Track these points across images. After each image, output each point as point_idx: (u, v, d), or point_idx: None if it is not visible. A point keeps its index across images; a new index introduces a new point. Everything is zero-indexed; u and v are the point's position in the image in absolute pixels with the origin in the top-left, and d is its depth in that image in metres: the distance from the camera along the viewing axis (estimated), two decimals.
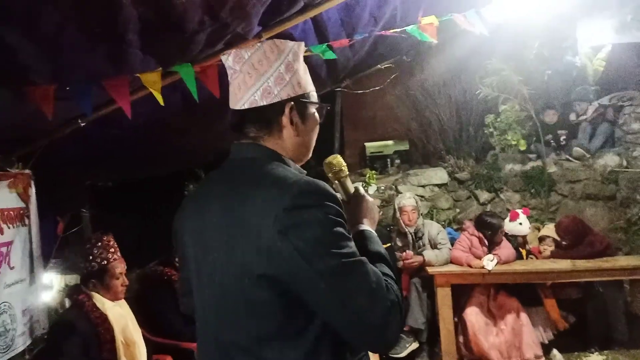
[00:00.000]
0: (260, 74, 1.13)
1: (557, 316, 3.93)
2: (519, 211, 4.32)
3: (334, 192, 1.05)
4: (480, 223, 4.22)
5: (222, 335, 1.10)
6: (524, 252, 4.25)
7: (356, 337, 1.02)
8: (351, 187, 1.34)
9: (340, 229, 1.01)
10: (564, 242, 4.12)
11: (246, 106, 1.14)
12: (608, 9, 5.38)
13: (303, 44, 1.22)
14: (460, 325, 4.02)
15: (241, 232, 1.03)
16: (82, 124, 2.58)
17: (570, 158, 5.22)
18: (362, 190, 1.33)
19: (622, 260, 3.95)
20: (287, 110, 1.14)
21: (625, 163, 4.98)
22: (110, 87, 2.20)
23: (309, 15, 2.61)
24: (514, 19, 3.68)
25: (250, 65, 1.14)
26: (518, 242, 4.27)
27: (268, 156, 1.14)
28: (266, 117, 1.15)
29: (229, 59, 1.18)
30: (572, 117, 5.52)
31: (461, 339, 4.01)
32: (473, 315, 3.93)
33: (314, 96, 1.22)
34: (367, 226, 1.22)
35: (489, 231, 4.13)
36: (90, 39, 1.85)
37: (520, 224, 4.24)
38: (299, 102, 1.16)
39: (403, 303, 1.05)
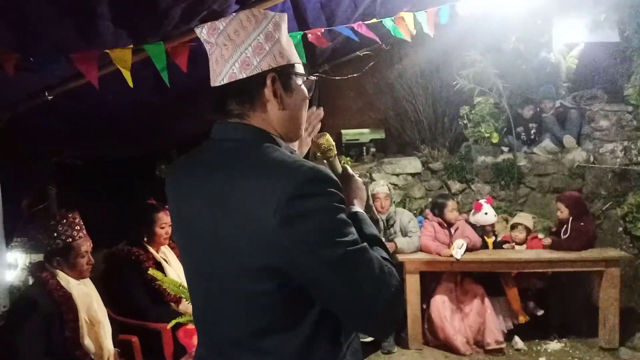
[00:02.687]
0: (237, 45, 1.04)
1: (519, 307, 4.05)
2: (482, 201, 4.42)
3: (333, 177, 1.00)
4: (432, 204, 4.40)
5: (218, 329, 1.07)
6: (490, 241, 4.35)
7: (361, 324, 1.02)
8: (339, 167, 1.31)
9: (343, 216, 0.98)
10: (564, 212, 4.16)
11: (225, 81, 1.05)
12: (583, 8, 5.48)
13: (286, 15, 1.14)
14: (427, 312, 4.10)
15: (236, 222, 0.97)
16: (49, 97, 2.49)
17: (539, 152, 5.34)
18: (350, 170, 1.30)
19: (585, 252, 4.08)
20: (268, 81, 1.05)
21: (592, 159, 5.13)
22: (78, 60, 2.13)
23: None
24: (492, 13, 3.73)
25: (226, 36, 1.05)
26: (485, 230, 4.36)
27: (257, 137, 1.06)
28: (247, 90, 1.06)
29: (203, 32, 1.08)
30: (527, 110, 5.63)
31: (427, 325, 4.10)
32: (440, 302, 4.02)
33: (299, 68, 1.12)
34: (359, 207, 1.19)
35: (436, 209, 4.27)
36: (58, 9, 1.79)
37: (486, 213, 4.34)
38: (282, 73, 1.07)
39: (400, 284, 1.04)
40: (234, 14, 1.08)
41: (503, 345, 3.93)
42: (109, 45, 2.22)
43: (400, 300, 1.02)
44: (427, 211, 4.48)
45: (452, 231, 4.23)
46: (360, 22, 3.14)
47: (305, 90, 1.15)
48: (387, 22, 3.12)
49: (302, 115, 1.15)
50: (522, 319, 4.04)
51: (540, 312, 4.15)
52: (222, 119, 1.10)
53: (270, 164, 0.99)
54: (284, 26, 1.11)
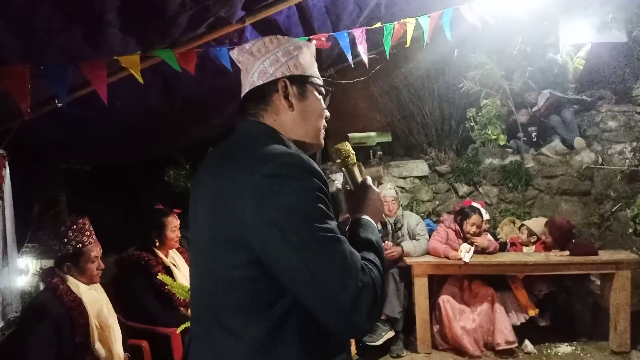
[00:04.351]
0: (257, 59, 1.20)
1: (527, 302, 4.02)
2: (470, 200, 4.49)
3: (319, 169, 1.05)
4: (458, 211, 4.32)
5: (200, 303, 1.14)
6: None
7: (324, 315, 1.00)
8: (359, 176, 1.32)
9: (321, 206, 1.01)
10: (549, 238, 4.18)
11: (247, 89, 1.22)
12: (590, 8, 5.46)
13: (314, 44, 1.30)
14: (436, 314, 4.09)
15: (221, 201, 1.05)
16: (59, 105, 2.52)
17: (548, 153, 5.31)
18: (369, 181, 1.32)
19: (595, 255, 4.04)
20: (280, 86, 1.19)
21: (600, 160, 5.10)
22: (87, 69, 2.16)
23: (293, 2, 2.59)
24: (499, 14, 3.72)
25: (250, 53, 1.22)
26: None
27: (263, 132, 1.17)
28: (262, 93, 1.20)
29: (234, 53, 1.26)
30: (523, 117, 5.62)
31: (436, 328, 4.08)
32: (448, 303, 4.00)
33: (315, 80, 1.25)
34: (368, 216, 1.21)
35: (460, 216, 4.23)
36: (65, 18, 1.81)
37: None
38: (296, 80, 1.20)
39: (382, 291, 1.04)
40: (260, 37, 1.23)
41: (514, 345, 3.89)
42: (117, 53, 2.24)
43: (371, 300, 0.99)
44: (445, 216, 4.44)
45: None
46: (364, 27, 3.16)
47: (320, 97, 1.26)
48: (387, 27, 3.15)
49: (316, 120, 1.25)
50: (532, 312, 4.01)
51: (544, 324, 4.12)
52: (241, 118, 1.24)
53: (258, 149, 1.07)
54: (308, 50, 1.26)
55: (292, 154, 1.06)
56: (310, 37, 3.01)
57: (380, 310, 1.04)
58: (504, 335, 3.88)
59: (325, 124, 1.29)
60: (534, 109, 5.63)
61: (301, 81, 1.21)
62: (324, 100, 1.28)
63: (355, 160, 1.33)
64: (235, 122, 1.25)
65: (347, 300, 0.96)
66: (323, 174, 1.06)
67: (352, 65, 3.48)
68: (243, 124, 1.21)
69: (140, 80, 2.24)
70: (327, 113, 1.29)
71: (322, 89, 1.27)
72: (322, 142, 1.28)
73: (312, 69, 1.25)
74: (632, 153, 4.99)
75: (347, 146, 1.33)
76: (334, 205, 1.43)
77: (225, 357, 1.06)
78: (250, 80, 1.21)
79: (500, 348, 3.87)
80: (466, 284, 4.17)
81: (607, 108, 5.27)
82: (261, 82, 1.19)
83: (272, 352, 1.02)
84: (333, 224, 1.02)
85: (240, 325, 1.04)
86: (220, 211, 1.06)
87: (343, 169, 1.33)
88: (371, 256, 1.07)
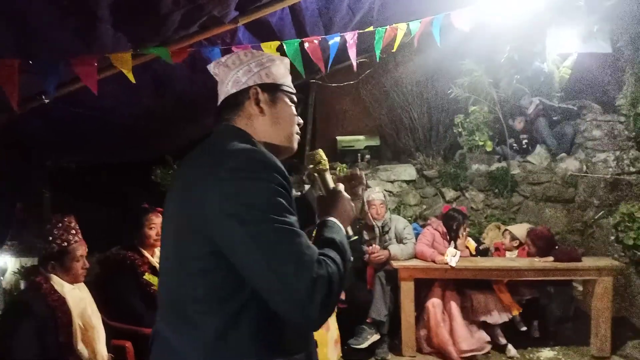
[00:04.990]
0: (231, 70, 1.29)
1: (510, 302, 4.07)
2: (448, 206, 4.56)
3: (282, 166, 1.11)
4: (447, 216, 4.36)
5: (165, 299, 1.18)
6: (471, 246, 4.41)
7: (279, 305, 1.03)
8: (331, 183, 1.37)
9: (280, 200, 1.05)
10: (532, 248, 4.24)
11: (222, 97, 1.30)
12: (576, 18, 5.55)
13: (288, 60, 1.38)
14: (423, 318, 4.11)
15: (187, 196, 1.12)
16: (47, 101, 2.48)
17: (533, 161, 5.39)
18: (341, 188, 1.36)
19: (578, 262, 4.11)
20: (251, 93, 1.27)
21: (584, 168, 5.18)
22: (78, 65, 2.13)
23: (287, 4, 2.59)
24: (488, 22, 3.76)
25: (225, 65, 1.31)
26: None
27: (234, 133, 1.23)
28: (235, 101, 1.28)
29: (211, 67, 1.35)
30: (519, 124, 5.72)
31: (423, 332, 4.10)
32: (434, 307, 4.02)
33: (286, 88, 1.32)
34: (334, 219, 1.24)
35: (454, 223, 4.26)
36: (58, 12, 1.79)
37: None
38: (267, 88, 1.28)
39: (339, 287, 1.06)
40: (235, 50, 1.26)
41: (470, 354, 3.94)
42: (109, 49, 2.22)
43: (326, 293, 1.01)
44: (433, 219, 4.48)
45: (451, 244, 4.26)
46: (356, 31, 3.17)
47: (293, 108, 1.33)
48: (379, 32, 3.17)
49: (288, 127, 1.32)
50: (515, 311, 4.07)
51: (524, 328, 4.17)
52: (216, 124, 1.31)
53: (227, 148, 1.13)
54: (281, 63, 1.34)
55: (255, 150, 1.12)
56: (302, 39, 3.01)
57: (334, 304, 1.07)
58: (459, 344, 3.93)
59: (298, 130, 1.36)
60: (526, 117, 5.72)
61: (272, 89, 1.29)
62: (296, 108, 1.35)
63: (328, 167, 1.39)
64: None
65: (302, 290, 0.99)
66: (285, 171, 1.11)
67: (327, 72, 3.49)
68: (218, 128, 1.28)
69: (132, 79, 2.22)
70: (299, 120, 1.36)
71: (294, 97, 1.34)
72: (295, 146, 1.34)
73: (284, 79, 1.33)
74: (615, 162, 5.09)
75: (320, 153, 1.39)
76: (305, 206, 1.45)
77: (183, 348, 1.10)
78: (225, 90, 1.29)
79: (460, 355, 3.92)
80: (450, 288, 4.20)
81: (591, 117, 5.37)
82: (235, 90, 1.27)
83: (228, 344, 1.06)
84: (293, 218, 1.06)
85: (199, 316, 1.08)
86: (185, 206, 1.12)
87: (315, 175, 1.38)
88: (332, 253, 1.10)
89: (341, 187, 1.37)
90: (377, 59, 3.42)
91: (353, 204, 1.35)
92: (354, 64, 3.27)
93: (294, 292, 0.99)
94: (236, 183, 1.04)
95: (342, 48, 3.14)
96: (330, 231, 1.19)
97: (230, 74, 1.29)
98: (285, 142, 1.31)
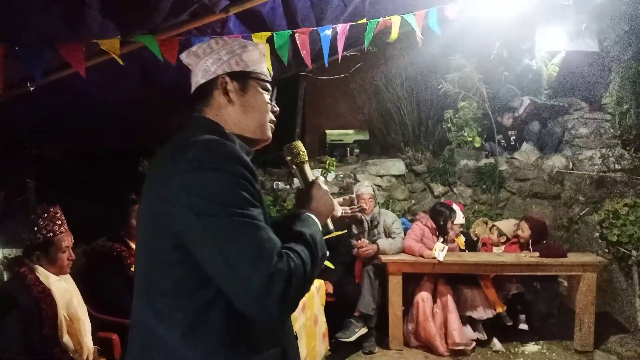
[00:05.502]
0: (201, 59, 1.25)
1: (496, 299, 4.12)
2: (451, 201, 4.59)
3: (246, 159, 1.09)
4: (435, 211, 4.38)
5: (138, 291, 1.17)
6: (460, 241, 4.45)
7: (237, 298, 1.02)
8: (310, 175, 1.34)
9: (242, 192, 1.03)
10: (526, 232, 4.27)
11: (193, 88, 1.27)
12: (565, 17, 5.60)
13: (263, 45, 1.36)
14: (411, 312, 4.13)
15: (154, 189, 1.11)
16: (32, 88, 2.43)
17: (520, 158, 5.44)
18: (320, 180, 1.33)
19: (563, 258, 4.16)
20: (219, 82, 1.23)
21: (571, 165, 5.25)
22: (65, 52, 2.08)
23: None
24: (478, 18, 3.77)
25: (195, 54, 1.27)
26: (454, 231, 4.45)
27: (204, 125, 1.20)
28: (205, 91, 1.25)
29: (183, 56, 1.30)
30: (508, 120, 5.78)
31: (411, 325, 4.13)
32: (424, 303, 4.05)
33: (259, 76, 1.28)
34: (311, 213, 1.22)
35: (442, 218, 4.29)
36: None
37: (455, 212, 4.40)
38: (237, 76, 1.24)
39: (302, 282, 1.04)
40: (206, 39, 1.26)
41: (461, 347, 3.97)
42: (96, 36, 2.17)
43: (284, 286, 0.99)
44: (422, 214, 4.49)
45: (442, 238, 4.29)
46: (348, 23, 3.15)
47: (266, 96, 1.29)
48: (371, 24, 3.15)
49: (260, 115, 1.28)
50: (500, 309, 4.12)
51: (510, 323, 4.22)
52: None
53: (191, 139, 1.10)
54: (255, 50, 1.29)
55: (216, 140, 1.09)
56: (293, 30, 2.99)
57: (298, 299, 1.05)
58: (452, 336, 3.96)
59: (274, 119, 1.32)
60: (515, 114, 5.77)
61: (242, 77, 1.25)
62: (271, 96, 1.32)
63: (306, 159, 1.35)
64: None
65: (259, 283, 0.98)
66: (250, 163, 1.10)
67: (316, 65, 3.48)
68: (189, 119, 1.25)
69: (120, 62, 2.18)
70: (274, 108, 1.32)
71: (267, 84, 1.30)
72: (269, 135, 1.30)
73: (257, 65, 1.28)
74: (601, 159, 5.16)
75: (299, 145, 1.35)
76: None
77: (152, 342, 1.09)
78: (196, 80, 1.25)
79: (450, 347, 3.96)
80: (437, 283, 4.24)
81: (578, 115, 5.43)
82: (204, 81, 1.24)
83: (195, 340, 1.05)
84: (255, 211, 1.04)
85: (167, 309, 1.07)
86: (152, 198, 1.11)
87: (294, 167, 1.34)
88: (298, 247, 1.08)
89: (320, 179, 1.34)
90: (365, 49, 3.39)
91: (333, 199, 1.33)
92: (339, 56, 3.23)
93: (250, 286, 0.98)
94: (194, 174, 1.02)
95: (334, 41, 3.13)
96: (301, 224, 1.17)
97: (200, 64, 1.25)
98: (257, 131, 1.27)
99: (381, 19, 3.21)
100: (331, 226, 1.30)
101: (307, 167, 1.34)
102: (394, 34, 3.20)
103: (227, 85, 1.23)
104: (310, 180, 1.33)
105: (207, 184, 1.02)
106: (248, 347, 1.09)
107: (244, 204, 1.02)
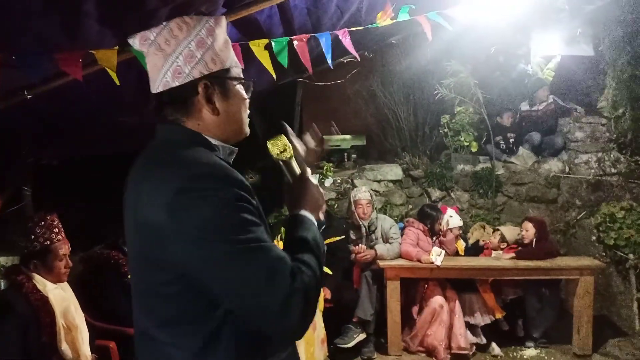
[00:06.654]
0: (168, 54, 1.07)
1: (494, 304, 4.12)
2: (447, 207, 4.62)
3: (238, 176, 1.01)
4: (422, 214, 4.43)
5: (138, 321, 1.11)
6: (460, 246, 4.47)
7: (256, 324, 0.99)
8: (297, 169, 1.29)
9: (241, 214, 0.97)
10: (530, 231, 4.30)
11: (160, 89, 1.09)
12: (560, 22, 5.64)
13: (223, 19, 1.16)
14: (418, 318, 4.12)
15: (140, 215, 1.01)
16: (29, 96, 2.43)
17: (517, 162, 5.46)
18: (308, 174, 1.27)
19: (559, 261, 4.18)
20: (200, 89, 1.08)
21: (567, 169, 5.27)
22: (62, 61, 2.09)
23: (275, 1, 2.57)
24: (474, 23, 3.79)
25: (157, 46, 1.08)
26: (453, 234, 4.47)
27: (188, 138, 1.09)
28: (181, 98, 1.09)
29: (135, 42, 1.12)
30: (524, 106, 5.80)
31: (414, 331, 4.11)
32: (442, 307, 4.03)
33: (235, 71, 1.15)
34: (306, 212, 1.17)
35: (429, 220, 4.34)
36: (42, 5, 1.75)
37: (451, 216, 4.43)
38: (216, 79, 1.10)
39: (316, 292, 1.03)
40: (164, 23, 1.09)
41: (466, 352, 3.97)
42: (93, 44, 2.18)
43: (302, 304, 0.97)
44: (412, 220, 4.51)
45: (435, 240, 4.30)
46: (346, 29, 3.16)
47: (243, 91, 1.17)
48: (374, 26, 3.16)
49: (241, 116, 1.17)
50: (499, 314, 4.12)
51: (507, 328, 4.23)
52: (160, 121, 1.14)
53: (173, 160, 1.02)
54: (220, 30, 1.13)
55: (205, 163, 1.00)
56: (291, 37, 3.00)
57: (314, 310, 1.03)
58: (457, 340, 3.95)
59: (248, 111, 1.22)
60: (533, 107, 5.77)
61: (222, 78, 1.11)
62: (247, 90, 1.18)
63: (292, 154, 1.29)
64: (155, 123, 1.15)
65: (276, 308, 0.95)
66: (243, 179, 1.02)
67: (332, 67, 3.46)
68: (164, 128, 1.12)
69: (117, 80, 2.19)
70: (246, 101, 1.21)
71: (246, 82, 1.17)
72: (248, 131, 1.21)
73: (228, 54, 1.13)
74: (597, 163, 5.18)
75: (283, 139, 1.29)
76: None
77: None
78: (164, 81, 1.08)
79: (453, 352, 3.95)
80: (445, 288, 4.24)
81: (574, 119, 5.46)
82: (177, 84, 1.07)
83: (209, 358, 1.01)
84: (258, 230, 0.98)
85: (176, 337, 1.02)
86: (141, 229, 1.02)
87: (280, 162, 1.29)
88: (306, 257, 1.04)
89: (308, 173, 1.27)
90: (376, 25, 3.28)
91: (322, 191, 1.28)
92: (356, 55, 3.19)
93: (269, 311, 0.95)
94: (188, 204, 0.94)
95: (333, 46, 3.14)
96: (302, 228, 1.12)
97: (167, 60, 1.07)
98: (239, 132, 1.18)
99: (376, 20, 3.20)
100: (322, 217, 1.25)
101: (293, 162, 1.29)
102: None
103: (209, 91, 1.09)
104: (298, 174, 1.28)
105: (203, 213, 0.94)
106: (259, 355, 1.06)
107: (246, 226, 0.96)
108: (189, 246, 0.95)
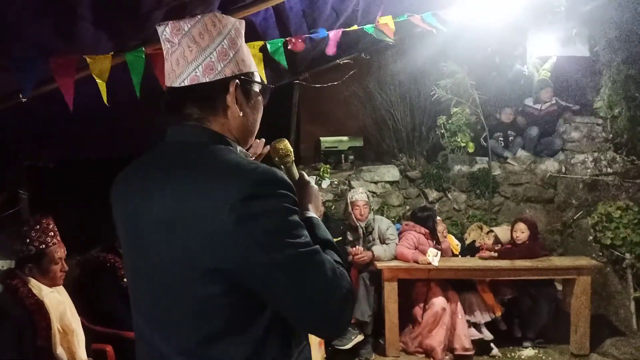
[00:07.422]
0: (202, 48, 1.03)
1: (493, 302, 4.13)
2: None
3: (288, 179, 1.01)
4: (419, 219, 4.40)
5: (166, 339, 1.02)
6: (454, 245, 4.50)
7: (312, 326, 1.02)
8: (296, 173, 1.32)
9: (296, 218, 0.98)
10: (524, 233, 4.32)
11: (187, 83, 1.04)
12: (556, 22, 5.66)
13: (244, 22, 1.15)
14: (418, 318, 4.12)
15: (187, 224, 0.94)
16: (24, 100, 2.42)
17: (513, 163, 5.48)
18: (306, 177, 1.31)
19: (556, 261, 4.19)
20: (232, 88, 1.06)
21: (564, 169, 5.28)
22: (56, 66, 2.08)
23: (271, 4, 2.57)
24: (470, 24, 3.80)
25: (191, 37, 1.03)
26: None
27: (215, 140, 1.05)
28: (210, 95, 1.06)
29: (166, 30, 1.05)
30: (529, 102, 5.83)
31: (415, 332, 4.11)
32: (446, 309, 4.03)
33: (257, 76, 1.15)
34: (313, 212, 1.20)
35: (429, 221, 4.33)
36: (37, 8, 1.75)
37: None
38: (244, 81, 1.08)
39: (354, 290, 1.07)
40: (198, 16, 1.06)
41: (470, 352, 3.97)
42: (88, 48, 2.18)
43: (351, 302, 1.04)
44: (412, 223, 4.49)
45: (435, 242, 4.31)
46: (342, 29, 3.17)
47: (261, 98, 1.16)
48: (369, 29, 3.17)
49: (257, 121, 1.17)
50: (498, 312, 4.13)
51: (504, 327, 4.24)
52: (177, 121, 1.08)
53: (226, 165, 0.98)
54: (243, 33, 1.12)
55: (265, 170, 0.98)
56: (286, 39, 3.00)
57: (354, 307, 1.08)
58: (461, 341, 3.96)
59: None
60: (536, 105, 5.79)
61: (248, 81, 1.10)
62: (264, 97, 1.18)
63: (293, 157, 1.31)
64: (167, 124, 1.10)
65: (335, 309, 0.99)
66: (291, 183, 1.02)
67: (342, 63, 3.46)
68: (188, 130, 1.06)
69: (105, 98, 2.22)
70: None
71: (265, 87, 1.16)
72: (253, 139, 1.22)
73: (251, 59, 1.13)
74: (593, 163, 5.19)
75: (286, 144, 1.29)
76: None
77: None
78: (193, 75, 1.03)
79: (457, 353, 3.95)
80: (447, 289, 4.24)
81: (570, 119, 5.48)
82: (207, 80, 1.03)
83: None
84: (306, 233, 0.99)
85: (224, 350, 0.98)
86: (187, 240, 0.95)
87: (282, 167, 1.30)
88: (336, 257, 1.06)
89: (306, 176, 1.31)
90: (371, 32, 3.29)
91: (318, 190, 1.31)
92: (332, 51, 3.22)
93: (329, 313, 0.98)
94: (255, 210, 0.92)
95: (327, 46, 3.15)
96: (320, 230, 1.13)
97: (201, 54, 1.03)
98: (250, 138, 1.17)
99: (376, 25, 3.22)
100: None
101: (294, 166, 1.32)
102: (392, 31, 3.16)
103: (238, 90, 1.07)
104: (297, 178, 1.30)
105: (269, 218, 0.93)
106: (293, 349, 1.07)
107: (299, 230, 0.97)
108: (258, 253, 0.92)
